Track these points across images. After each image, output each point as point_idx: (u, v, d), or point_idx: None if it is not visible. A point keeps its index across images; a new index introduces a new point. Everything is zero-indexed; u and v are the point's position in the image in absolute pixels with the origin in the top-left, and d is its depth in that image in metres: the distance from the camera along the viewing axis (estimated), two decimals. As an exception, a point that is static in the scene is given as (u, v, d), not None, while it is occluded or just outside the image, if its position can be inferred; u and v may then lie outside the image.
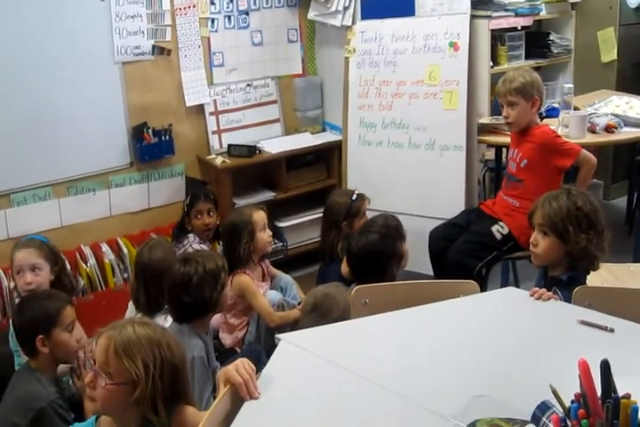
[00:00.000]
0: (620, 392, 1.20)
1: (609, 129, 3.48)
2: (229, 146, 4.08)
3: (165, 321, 2.65)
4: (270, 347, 2.50)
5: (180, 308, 2.47)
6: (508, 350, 1.74)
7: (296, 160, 4.21)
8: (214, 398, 1.59)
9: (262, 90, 4.30)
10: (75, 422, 2.03)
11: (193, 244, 3.51)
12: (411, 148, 3.71)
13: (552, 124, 3.47)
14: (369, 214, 3.28)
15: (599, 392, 1.21)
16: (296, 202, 4.21)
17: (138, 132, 3.80)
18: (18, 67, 3.40)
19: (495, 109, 3.65)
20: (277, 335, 1.83)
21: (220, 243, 3.63)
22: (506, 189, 3.26)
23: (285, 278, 3.35)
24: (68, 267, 3.46)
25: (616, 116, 3.59)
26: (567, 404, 1.24)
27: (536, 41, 4.30)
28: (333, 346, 1.80)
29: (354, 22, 3.93)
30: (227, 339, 3.09)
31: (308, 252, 4.02)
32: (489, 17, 3.70)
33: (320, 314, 2.46)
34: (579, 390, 1.22)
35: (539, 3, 4.05)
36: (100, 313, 3.21)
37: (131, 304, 2.86)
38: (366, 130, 3.89)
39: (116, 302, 3.23)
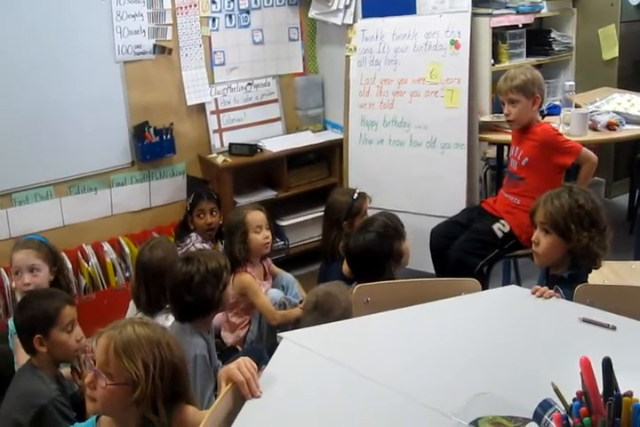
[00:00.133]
0: (622, 390, 1.20)
1: (610, 127, 3.48)
2: (230, 145, 4.08)
3: (166, 320, 2.65)
4: (272, 345, 2.50)
5: (182, 307, 2.47)
6: (509, 348, 1.74)
7: (297, 159, 4.21)
8: (216, 397, 1.59)
9: (263, 89, 4.30)
10: (77, 420, 2.04)
11: (195, 243, 3.51)
12: (412, 146, 3.71)
13: (553, 121, 3.47)
14: (370, 213, 3.28)
15: (601, 390, 1.21)
16: (297, 201, 4.21)
17: (139, 132, 3.80)
18: (19, 66, 3.40)
19: (496, 107, 3.64)
20: (279, 334, 1.83)
21: (222, 242, 3.64)
22: (507, 187, 3.26)
23: (287, 277, 3.35)
24: (70, 266, 3.48)
25: (617, 113, 3.58)
26: (569, 402, 1.24)
27: (537, 39, 4.29)
28: (335, 345, 1.80)
29: (355, 20, 3.92)
30: (228, 338, 3.09)
31: (310, 250, 4.02)
32: (490, 15, 3.69)
33: (322, 313, 2.46)
34: (581, 388, 1.22)
35: (540, 0, 4.04)
36: (101, 312, 3.21)
37: (132, 304, 2.86)
38: (367, 128, 3.89)
39: (117, 301, 3.24)
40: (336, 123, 4.34)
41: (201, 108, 4.07)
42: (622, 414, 1.17)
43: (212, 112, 4.12)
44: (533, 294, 2.00)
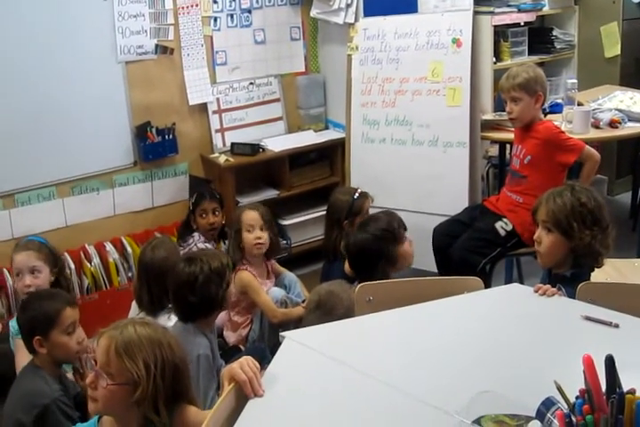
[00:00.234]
0: (625, 388, 1.20)
1: (613, 124, 3.48)
2: (232, 144, 4.08)
3: (169, 320, 2.65)
4: (274, 344, 2.51)
5: (186, 307, 2.47)
6: (512, 346, 1.74)
7: (299, 158, 4.21)
8: (218, 397, 1.59)
9: (265, 88, 4.30)
10: (80, 420, 2.04)
11: (198, 243, 3.51)
12: (414, 144, 3.71)
13: (556, 119, 3.46)
14: (373, 212, 3.27)
15: (604, 388, 1.20)
16: (299, 200, 4.21)
17: (141, 132, 3.81)
18: (20, 66, 3.41)
19: (498, 106, 3.64)
20: (282, 333, 1.83)
21: (225, 242, 3.65)
22: (509, 186, 3.25)
23: (289, 276, 3.35)
24: (73, 266, 3.49)
25: (620, 111, 3.58)
26: (572, 399, 1.23)
27: (539, 37, 4.28)
28: (337, 344, 1.79)
29: (356, 20, 3.92)
30: (230, 337, 3.09)
31: (312, 250, 4.02)
32: (492, 13, 3.68)
33: (324, 312, 2.46)
34: (583, 386, 1.22)
35: (541, -2, 4.04)
36: (104, 312, 3.21)
37: (134, 304, 2.86)
38: (369, 127, 3.89)
39: (120, 301, 3.24)
40: (338, 122, 4.34)
41: (203, 107, 4.07)
42: (625, 412, 1.16)
43: (214, 112, 4.12)
44: (536, 292, 2.00)
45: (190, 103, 3.99)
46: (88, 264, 3.57)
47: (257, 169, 4.20)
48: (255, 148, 4.04)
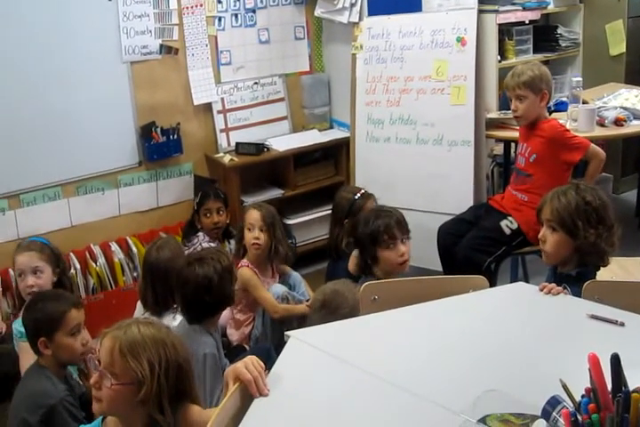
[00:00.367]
0: (631, 386, 1.19)
1: (618, 122, 3.47)
2: (237, 144, 4.09)
3: (174, 320, 2.65)
4: (278, 342, 2.51)
5: (201, 308, 2.47)
6: (517, 345, 1.74)
7: (304, 157, 4.21)
8: (222, 396, 1.59)
9: (269, 88, 4.30)
10: (86, 420, 2.05)
11: (203, 242, 3.51)
12: (419, 143, 3.70)
13: (561, 118, 3.45)
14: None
15: (610, 386, 1.20)
16: (304, 199, 4.21)
17: (146, 132, 3.81)
18: (25, 67, 3.41)
19: (503, 104, 3.64)
20: (286, 333, 1.83)
21: (230, 242, 3.65)
22: (514, 184, 3.25)
23: (294, 276, 3.35)
24: (78, 266, 3.50)
25: (625, 109, 3.57)
26: (577, 398, 1.23)
27: (544, 35, 4.28)
28: (342, 343, 1.79)
29: (361, 19, 3.92)
30: (234, 335, 3.10)
31: (317, 249, 4.02)
32: (496, 11, 3.68)
33: (329, 311, 2.45)
34: (589, 385, 1.22)
35: (546, -4, 4.04)
36: (109, 312, 3.22)
37: (139, 304, 2.86)
38: (374, 126, 3.89)
39: (125, 301, 3.24)
40: (342, 121, 4.34)
41: (207, 107, 4.08)
42: (631, 411, 1.16)
43: (219, 111, 4.12)
44: (541, 290, 2.00)
45: (195, 103, 4.00)
46: (93, 264, 3.58)
47: (262, 169, 4.20)
48: (260, 147, 4.04)
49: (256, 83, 4.24)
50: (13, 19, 3.34)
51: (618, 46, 4.51)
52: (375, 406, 1.50)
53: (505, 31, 4.01)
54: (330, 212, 3.49)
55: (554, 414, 1.27)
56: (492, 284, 2.61)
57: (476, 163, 3.54)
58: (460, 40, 3.52)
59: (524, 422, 1.36)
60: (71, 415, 2.11)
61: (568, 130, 3.15)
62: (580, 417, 1.19)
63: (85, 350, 2.30)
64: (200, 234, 3.56)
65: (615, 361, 1.20)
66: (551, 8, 4.14)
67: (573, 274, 2.27)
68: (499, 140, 3.97)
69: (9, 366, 2.62)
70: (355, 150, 4.02)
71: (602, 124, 3.48)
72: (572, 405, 1.24)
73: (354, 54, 3.96)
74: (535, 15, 4.01)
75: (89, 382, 2.06)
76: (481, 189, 3.62)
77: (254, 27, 4.16)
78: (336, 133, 4.35)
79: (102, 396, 1.65)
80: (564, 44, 4.29)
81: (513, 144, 3.75)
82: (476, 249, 3.12)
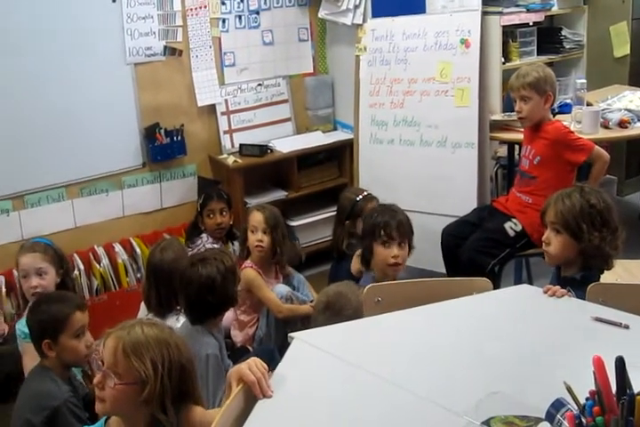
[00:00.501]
0: (636, 389, 1.19)
1: (622, 124, 3.46)
2: (241, 145, 4.09)
3: (177, 321, 2.65)
4: (282, 343, 2.51)
5: (204, 308, 2.48)
6: (521, 347, 1.73)
7: (307, 159, 4.21)
8: (224, 397, 1.59)
9: (273, 89, 4.30)
10: (89, 421, 2.05)
11: (206, 244, 3.52)
12: (422, 145, 3.70)
13: (565, 119, 3.44)
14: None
15: (614, 389, 1.20)
16: (308, 201, 4.21)
17: (150, 133, 3.82)
18: (29, 68, 3.42)
19: (507, 106, 3.63)
20: (290, 334, 1.83)
21: (233, 243, 3.65)
22: (519, 186, 3.24)
23: (298, 277, 3.35)
24: (82, 267, 3.50)
25: (629, 111, 3.56)
26: (582, 401, 1.23)
27: (548, 36, 4.27)
28: (346, 344, 1.79)
29: (364, 20, 3.92)
30: (238, 336, 3.10)
31: (321, 250, 4.02)
32: (500, 13, 3.67)
33: (333, 312, 2.45)
34: (593, 387, 1.21)
35: (550, -2, 4.03)
36: (113, 313, 3.22)
37: (143, 305, 2.86)
38: (378, 128, 3.89)
39: (129, 302, 3.25)
40: (346, 123, 4.34)
41: (211, 109, 4.08)
42: (635, 414, 1.16)
43: (223, 113, 4.13)
44: (545, 293, 1.99)
45: (199, 104, 4.00)
46: (97, 265, 3.59)
47: (265, 170, 4.20)
48: (263, 149, 4.05)
49: (260, 84, 4.24)
50: (17, 20, 3.35)
51: (622, 48, 4.50)
52: (379, 408, 1.50)
53: (509, 33, 4.00)
54: (333, 213, 3.49)
55: (558, 416, 1.27)
56: (496, 286, 2.61)
57: (480, 165, 3.54)
58: (464, 42, 3.52)
59: (528, 425, 1.36)
60: (75, 417, 2.11)
61: (572, 132, 3.14)
62: (584, 420, 1.19)
63: (89, 352, 2.30)
64: (203, 235, 3.57)
65: (620, 364, 1.19)
66: (555, 10, 4.13)
67: (577, 278, 2.26)
68: (503, 142, 3.96)
69: (12, 366, 2.62)
70: (358, 152, 4.02)
71: (606, 127, 3.47)
72: (576, 407, 1.24)
73: (358, 56, 3.96)
74: (539, 17, 4.00)
75: (92, 383, 2.07)
76: (485, 191, 3.62)
77: (258, 28, 4.16)
78: (340, 135, 4.35)
79: (105, 396, 1.65)
80: (568, 46, 4.28)
81: (517, 146, 3.74)
82: (479, 251, 3.11)
